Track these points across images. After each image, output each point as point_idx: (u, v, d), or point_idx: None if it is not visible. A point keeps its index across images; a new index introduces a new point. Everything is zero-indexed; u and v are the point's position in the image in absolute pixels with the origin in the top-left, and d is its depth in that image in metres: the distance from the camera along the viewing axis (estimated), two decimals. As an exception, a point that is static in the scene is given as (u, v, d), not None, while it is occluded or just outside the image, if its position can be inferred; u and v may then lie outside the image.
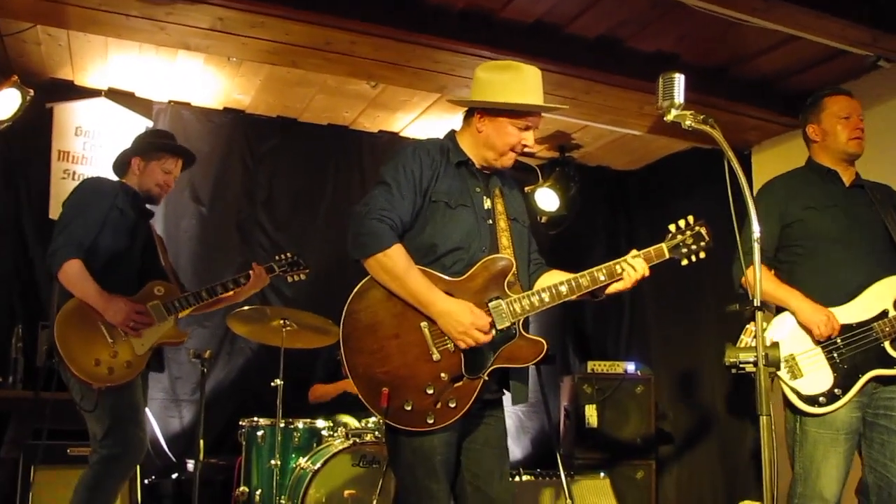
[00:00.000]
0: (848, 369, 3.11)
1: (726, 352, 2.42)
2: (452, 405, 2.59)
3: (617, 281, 2.74)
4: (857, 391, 3.09)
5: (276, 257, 4.16)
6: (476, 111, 2.83)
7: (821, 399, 3.10)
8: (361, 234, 2.62)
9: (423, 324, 2.61)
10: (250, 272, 3.94)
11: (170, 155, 3.80)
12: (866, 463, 3.17)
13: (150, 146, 3.79)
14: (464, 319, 2.57)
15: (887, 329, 3.12)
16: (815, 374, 3.12)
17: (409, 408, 2.57)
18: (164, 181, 3.78)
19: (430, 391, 2.57)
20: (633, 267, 2.73)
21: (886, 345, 3.13)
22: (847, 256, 3.26)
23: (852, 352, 3.12)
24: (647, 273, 2.75)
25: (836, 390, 3.10)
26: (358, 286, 2.65)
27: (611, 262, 2.76)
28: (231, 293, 3.90)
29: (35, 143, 5.12)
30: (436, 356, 2.59)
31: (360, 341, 2.61)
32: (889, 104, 4.74)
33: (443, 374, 2.59)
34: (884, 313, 3.16)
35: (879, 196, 3.38)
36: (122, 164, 3.80)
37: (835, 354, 3.13)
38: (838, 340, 3.13)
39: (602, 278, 2.73)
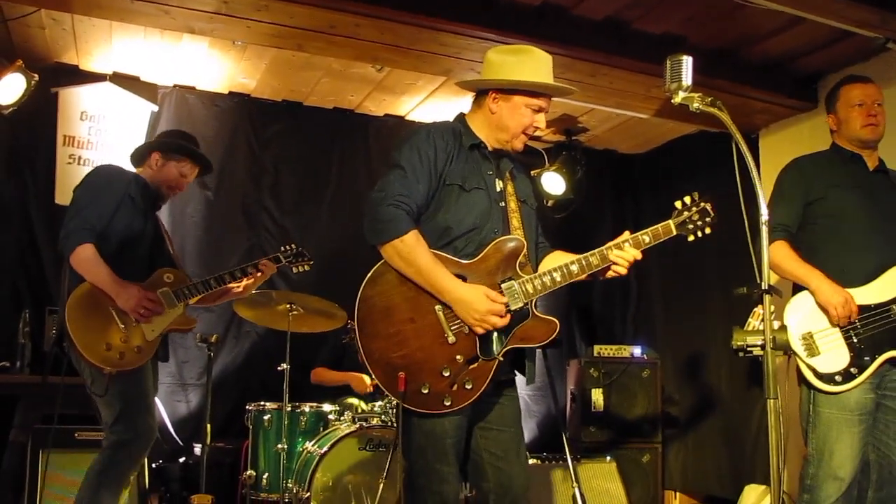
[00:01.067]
0: (864, 349, 3.15)
1: (734, 335, 2.43)
2: (469, 387, 2.60)
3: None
4: (873, 371, 3.13)
5: (282, 248, 4.16)
6: (490, 92, 2.82)
7: (836, 378, 3.14)
8: (378, 220, 2.62)
9: (438, 307, 2.62)
10: (259, 263, 3.95)
11: (190, 160, 3.80)
12: (870, 441, 3.21)
13: (174, 146, 3.79)
14: (480, 307, 2.59)
15: None
16: (833, 353, 3.16)
17: (425, 391, 2.58)
18: (177, 183, 3.79)
19: (447, 373, 2.59)
20: (623, 250, 2.77)
21: None
22: (868, 237, 3.28)
23: (870, 332, 3.16)
24: (638, 257, 2.78)
25: (852, 369, 3.13)
26: (371, 271, 2.65)
27: (619, 240, 2.80)
28: (239, 283, 3.91)
29: (40, 128, 5.12)
30: (451, 339, 2.61)
31: (376, 326, 2.61)
32: (897, 86, 4.70)
33: (458, 357, 2.61)
34: None
35: None
36: (141, 155, 3.81)
37: (852, 334, 3.17)
38: (857, 321, 3.16)
39: (612, 256, 2.76)
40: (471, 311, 2.59)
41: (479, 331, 2.61)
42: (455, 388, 2.60)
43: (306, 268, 4.24)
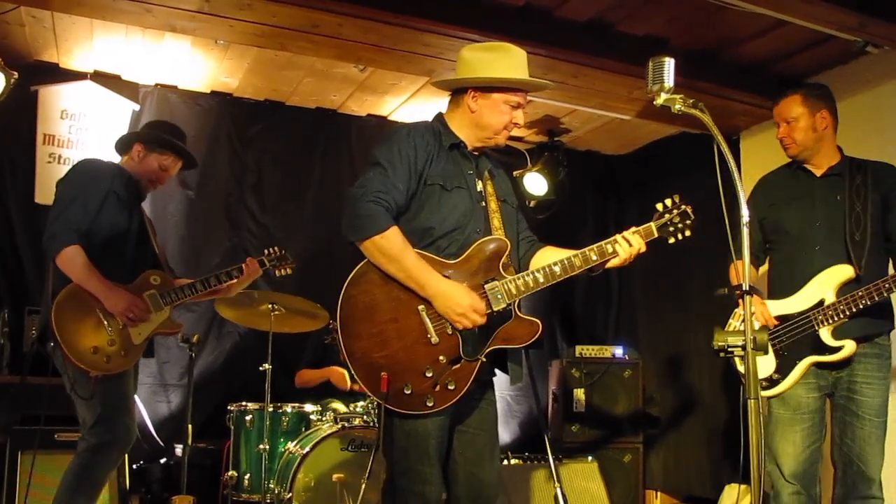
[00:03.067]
0: (787, 356, 3.34)
1: (715, 336, 2.45)
2: (451, 387, 2.60)
3: (612, 258, 2.80)
4: (799, 376, 3.31)
5: (265, 251, 4.16)
6: (469, 90, 2.82)
7: (763, 383, 3.33)
8: (358, 216, 2.60)
9: (421, 307, 2.62)
10: (243, 266, 3.93)
11: (172, 153, 3.78)
12: (833, 440, 3.37)
13: (157, 138, 3.76)
14: (462, 301, 2.59)
15: (820, 317, 3.28)
16: (762, 360, 3.29)
17: (408, 391, 2.58)
18: (157, 176, 3.76)
19: (429, 374, 2.59)
20: (629, 241, 2.80)
21: (822, 332, 3.28)
22: (802, 250, 3.42)
23: (791, 340, 3.33)
24: (643, 249, 2.82)
25: (775, 375, 3.36)
26: (354, 270, 2.64)
27: (603, 242, 2.81)
28: (225, 285, 3.89)
29: (20, 126, 5.07)
30: (434, 339, 2.61)
31: (358, 326, 2.61)
32: (876, 90, 4.75)
33: (441, 357, 2.61)
34: (821, 302, 3.30)
35: (861, 179, 3.40)
36: (125, 145, 3.78)
37: (776, 342, 3.35)
38: (780, 330, 3.34)
39: (594, 258, 2.79)
40: (452, 305, 2.59)
41: (460, 326, 2.60)
42: (438, 388, 2.59)
43: (289, 271, 4.24)
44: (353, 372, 2.62)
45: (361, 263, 2.65)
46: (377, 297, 2.62)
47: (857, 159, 3.49)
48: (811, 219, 3.41)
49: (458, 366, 2.62)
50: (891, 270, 3.38)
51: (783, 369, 3.34)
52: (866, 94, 4.80)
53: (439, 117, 2.92)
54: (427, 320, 2.61)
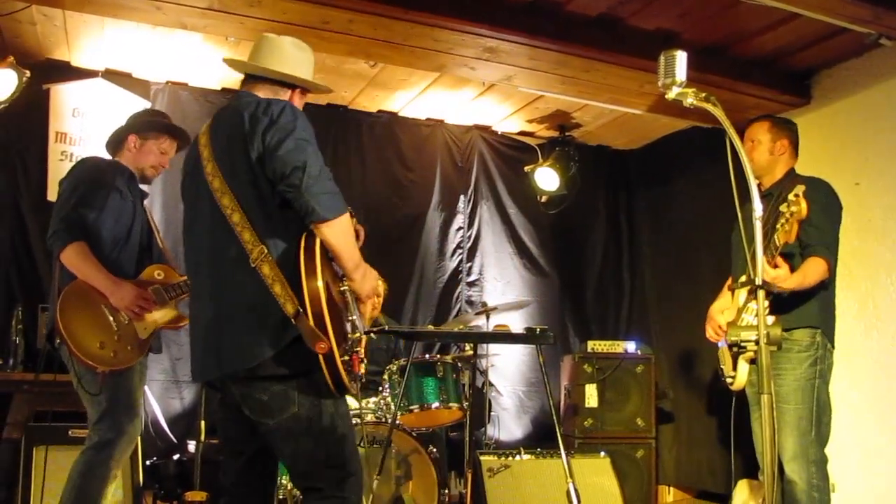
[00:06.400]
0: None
1: (728, 330, 2.44)
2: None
3: None
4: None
5: None
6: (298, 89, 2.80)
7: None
8: (333, 192, 2.41)
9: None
10: None
11: (167, 135, 3.78)
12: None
13: (148, 125, 3.77)
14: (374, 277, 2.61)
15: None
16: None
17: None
18: (159, 161, 3.77)
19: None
20: None
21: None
22: (739, 263, 3.76)
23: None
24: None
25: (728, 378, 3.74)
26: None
27: None
28: None
29: (32, 124, 5.09)
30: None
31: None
32: (890, 83, 4.71)
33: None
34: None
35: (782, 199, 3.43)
36: (117, 141, 3.77)
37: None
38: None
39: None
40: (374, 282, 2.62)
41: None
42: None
43: None
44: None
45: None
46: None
47: (800, 177, 3.68)
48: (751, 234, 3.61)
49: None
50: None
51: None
52: (880, 88, 4.77)
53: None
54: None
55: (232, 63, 2.86)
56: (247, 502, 2.68)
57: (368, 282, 2.58)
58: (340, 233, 2.42)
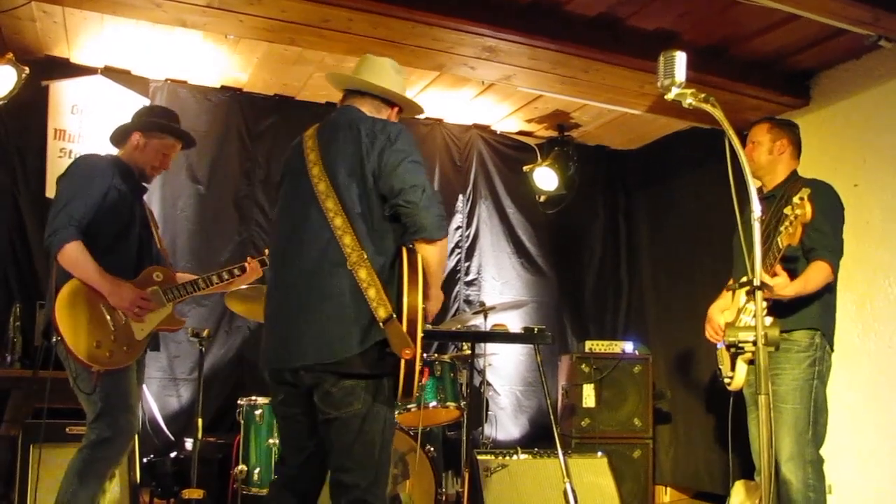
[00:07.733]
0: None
1: (726, 331, 2.45)
2: None
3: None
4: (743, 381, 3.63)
5: (266, 251, 4.16)
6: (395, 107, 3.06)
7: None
8: (443, 216, 2.69)
9: None
10: (245, 264, 3.94)
11: (172, 137, 3.78)
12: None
13: (154, 125, 3.75)
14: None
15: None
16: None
17: None
18: (160, 162, 3.75)
19: None
20: None
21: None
22: (739, 265, 3.70)
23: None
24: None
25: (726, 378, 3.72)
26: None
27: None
28: (226, 282, 3.91)
29: (31, 121, 5.08)
30: None
31: None
32: (889, 84, 4.72)
33: None
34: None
35: (785, 201, 3.47)
36: (121, 136, 3.76)
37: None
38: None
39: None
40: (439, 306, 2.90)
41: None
42: None
43: None
44: None
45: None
46: None
47: (803, 179, 3.67)
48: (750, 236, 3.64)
49: None
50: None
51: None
52: (879, 89, 4.77)
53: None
54: None
55: (337, 77, 3.12)
56: (305, 498, 2.85)
57: (437, 305, 2.84)
58: (439, 253, 2.69)
